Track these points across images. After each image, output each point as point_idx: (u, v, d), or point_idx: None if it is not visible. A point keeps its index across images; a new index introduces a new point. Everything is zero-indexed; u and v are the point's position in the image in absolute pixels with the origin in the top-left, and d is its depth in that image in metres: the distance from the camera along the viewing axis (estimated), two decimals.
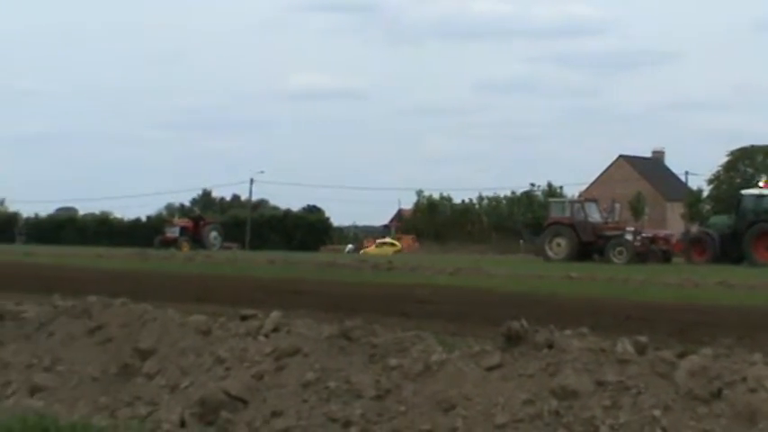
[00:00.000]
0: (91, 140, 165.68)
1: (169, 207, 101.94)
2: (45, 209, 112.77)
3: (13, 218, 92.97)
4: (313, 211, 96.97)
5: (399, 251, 70.98)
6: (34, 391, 9.69)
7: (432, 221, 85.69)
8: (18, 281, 18.35)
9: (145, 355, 9.41)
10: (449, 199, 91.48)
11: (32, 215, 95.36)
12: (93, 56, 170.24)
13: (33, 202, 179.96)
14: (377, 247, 74.99)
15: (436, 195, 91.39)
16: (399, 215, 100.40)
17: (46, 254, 36.87)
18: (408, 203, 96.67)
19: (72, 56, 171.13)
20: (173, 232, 60.49)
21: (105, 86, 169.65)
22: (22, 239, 73.66)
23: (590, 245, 46.70)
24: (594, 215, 48.73)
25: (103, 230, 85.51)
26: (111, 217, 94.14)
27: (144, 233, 75.21)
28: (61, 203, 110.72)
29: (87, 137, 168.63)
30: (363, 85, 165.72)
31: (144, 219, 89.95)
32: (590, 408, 6.70)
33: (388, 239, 79.58)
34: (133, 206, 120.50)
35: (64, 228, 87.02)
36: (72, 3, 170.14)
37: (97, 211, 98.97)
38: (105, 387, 9.37)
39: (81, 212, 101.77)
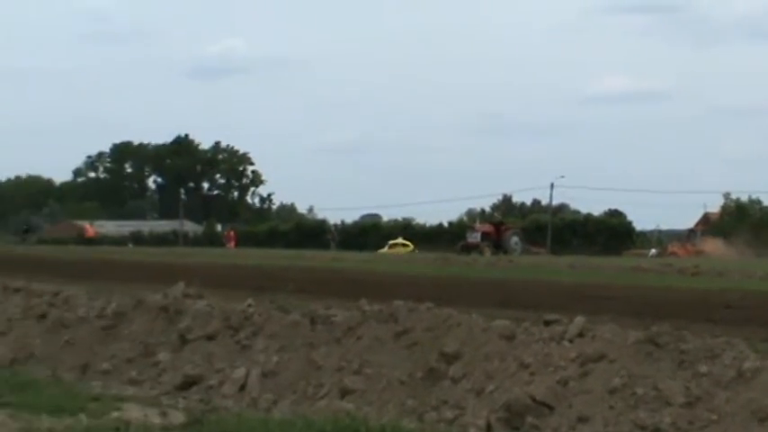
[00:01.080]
0: (394, 148, 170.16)
1: (470, 212, 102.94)
2: (350, 216, 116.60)
3: (321, 225, 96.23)
4: (615, 215, 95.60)
5: (413, 251, 69.25)
6: (344, 393, 9.99)
7: (741, 225, 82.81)
8: (327, 286, 18.92)
9: (450, 359, 9.53)
10: (758, 201, 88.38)
11: (338, 222, 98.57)
12: (398, 65, 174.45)
13: (339, 210, 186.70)
14: (389, 248, 73.64)
15: (744, 198, 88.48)
16: (706, 219, 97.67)
17: (352, 259, 37.93)
18: (714, 207, 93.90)
19: (377, 65, 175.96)
20: (474, 237, 60.90)
21: (408, 94, 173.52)
22: (335, 245, 76.06)
23: None
24: None
25: (406, 236, 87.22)
26: (414, 223, 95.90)
27: (446, 238, 76.15)
28: (365, 210, 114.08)
29: (390, 144, 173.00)
30: (667, 86, 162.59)
31: (446, 224, 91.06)
32: None
33: (400, 240, 77.93)
34: (435, 212, 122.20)
35: (368, 234, 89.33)
36: (376, 7, 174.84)
37: (400, 218, 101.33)
38: (412, 390, 9.54)
39: (384, 219, 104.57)
